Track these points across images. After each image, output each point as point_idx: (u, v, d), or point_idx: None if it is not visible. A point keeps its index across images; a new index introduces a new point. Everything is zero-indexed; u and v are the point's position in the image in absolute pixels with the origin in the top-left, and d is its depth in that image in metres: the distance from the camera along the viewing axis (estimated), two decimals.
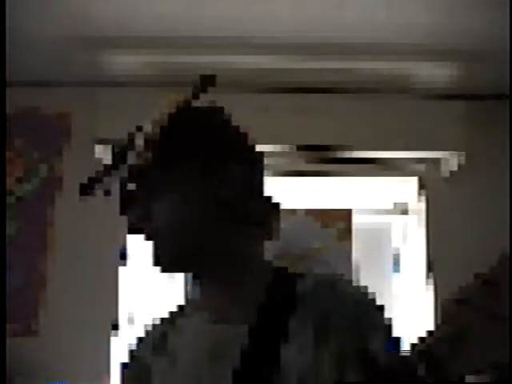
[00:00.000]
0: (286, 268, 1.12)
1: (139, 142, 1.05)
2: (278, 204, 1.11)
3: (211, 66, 2.66)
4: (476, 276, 0.74)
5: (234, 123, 1.11)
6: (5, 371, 2.19)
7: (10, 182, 2.98)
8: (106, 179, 1.06)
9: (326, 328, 1.00)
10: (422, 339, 0.84)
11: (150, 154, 1.04)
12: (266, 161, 1.14)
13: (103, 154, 2.88)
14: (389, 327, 1.00)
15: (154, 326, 1.17)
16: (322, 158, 3.07)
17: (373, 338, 0.97)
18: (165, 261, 1.06)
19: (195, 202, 1.05)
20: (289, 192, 3.06)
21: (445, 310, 0.78)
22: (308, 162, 3.10)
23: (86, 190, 1.06)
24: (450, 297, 0.76)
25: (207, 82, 1.08)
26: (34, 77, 3.01)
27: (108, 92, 2.97)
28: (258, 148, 1.13)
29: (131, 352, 1.17)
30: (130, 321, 2.96)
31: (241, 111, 1.20)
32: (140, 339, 1.17)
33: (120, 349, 2.77)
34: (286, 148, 2.98)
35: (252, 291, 1.07)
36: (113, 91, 2.96)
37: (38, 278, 2.89)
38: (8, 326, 2.76)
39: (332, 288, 1.04)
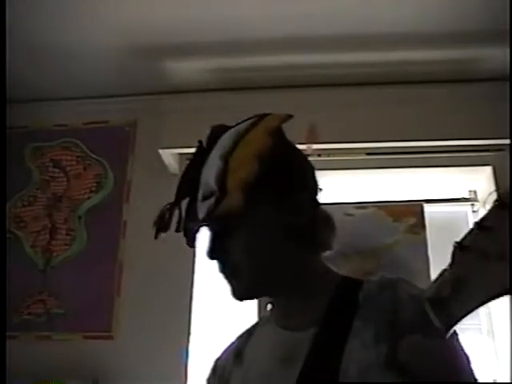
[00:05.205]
0: (348, 277, 1.12)
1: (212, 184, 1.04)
2: (330, 218, 1.13)
3: (278, 67, 2.78)
4: (475, 224, 0.76)
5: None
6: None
7: (79, 194, 3.04)
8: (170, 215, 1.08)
9: (387, 333, 0.97)
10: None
11: (236, 196, 1.02)
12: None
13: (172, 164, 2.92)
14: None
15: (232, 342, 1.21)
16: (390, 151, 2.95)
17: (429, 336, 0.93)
18: (241, 292, 1.07)
19: (271, 233, 1.06)
20: (356, 187, 3.03)
21: (451, 256, 0.80)
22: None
23: (159, 230, 1.10)
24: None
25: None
26: (96, 90, 3.06)
27: (172, 100, 2.96)
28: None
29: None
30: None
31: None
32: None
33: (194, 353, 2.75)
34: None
35: (318, 301, 1.07)
36: (176, 98, 2.95)
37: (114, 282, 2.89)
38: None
39: (394, 293, 1.01)
